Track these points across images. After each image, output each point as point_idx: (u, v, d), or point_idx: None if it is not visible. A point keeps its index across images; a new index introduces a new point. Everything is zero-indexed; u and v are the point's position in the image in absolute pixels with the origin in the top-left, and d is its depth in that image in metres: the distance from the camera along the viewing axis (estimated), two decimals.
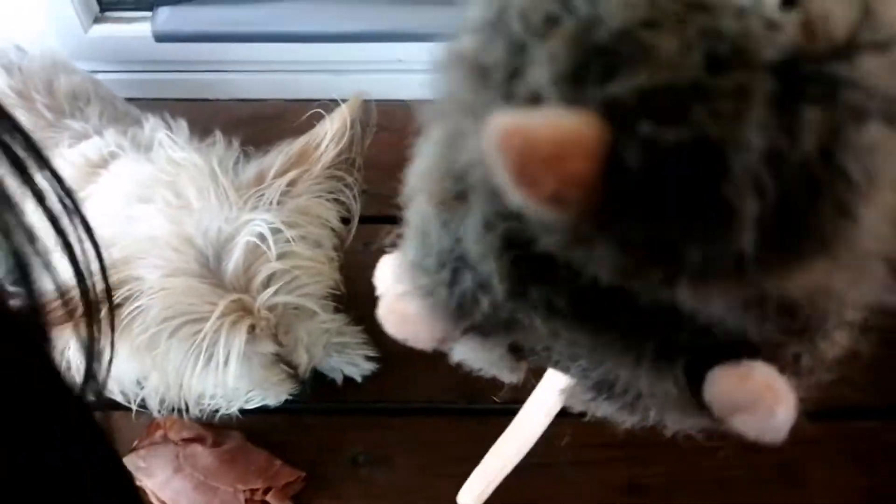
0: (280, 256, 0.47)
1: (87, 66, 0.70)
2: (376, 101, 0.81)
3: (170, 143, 0.52)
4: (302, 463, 0.56)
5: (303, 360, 0.52)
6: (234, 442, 0.55)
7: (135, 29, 0.76)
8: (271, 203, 0.48)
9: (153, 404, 0.51)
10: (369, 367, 0.61)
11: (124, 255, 0.46)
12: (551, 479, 0.56)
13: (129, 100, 0.67)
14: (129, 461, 0.55)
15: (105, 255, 0.45)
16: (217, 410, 0.53)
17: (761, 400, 0.26)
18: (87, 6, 0.75)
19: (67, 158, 0.54)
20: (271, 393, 0.53)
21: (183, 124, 0.57)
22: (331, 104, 0.54)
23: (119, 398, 0.51)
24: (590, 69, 0.19)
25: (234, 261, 0.46)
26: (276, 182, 0.49)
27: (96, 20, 0.76)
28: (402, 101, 0.82)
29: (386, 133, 0.81)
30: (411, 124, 0.88)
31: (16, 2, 0.73)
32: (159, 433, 0.55)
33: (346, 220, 0.55)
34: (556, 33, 0.19)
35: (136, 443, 0.56)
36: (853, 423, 0.59)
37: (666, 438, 0.57)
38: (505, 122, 0.18)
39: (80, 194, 0.52)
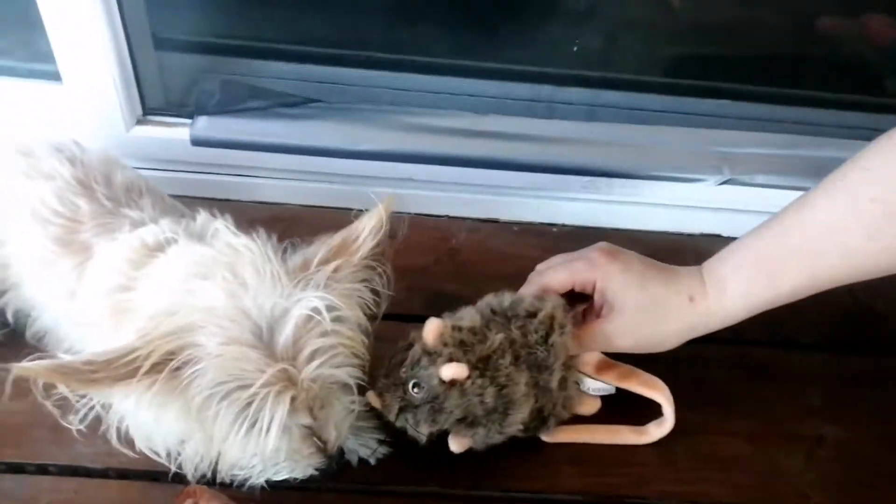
0: (326, 334, 0.52)
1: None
2: None
3: (226, 231, 0.58)
4: None
5: (331, 436, 0.56)
6: None
7: (173, 132, 0.84)
8: (318, 286, 0.54)
9: (189, 467, 0.55)
10: (382, 450, 0.65)
11: (185, 322, 0.51)
12: None
13: None
14: None
15: (166, 322, 0.50)
16: (246, 480, 0.57)
17: None
18: (132, 109, 0.83)
19: (127, 241, 0.59)
20: (300, 465, 0.57)
21: (229, 219, 0.63)
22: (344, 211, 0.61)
23: (162, 456, 0.55)
24: None
25: (285, 333, 0.51)
26: (323, 269, 0.56)
27: (138, 122, 0.84)
28: (409, 213, 0.91)
29: (392, 240, 0.90)
30: (412, 234, 0.98)
31: (66, 99, 0.80)
32: (189, 502, 0.58)
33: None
34: None
35: None
36: None
37: None
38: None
39: (139, 272, 0.57)
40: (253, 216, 0.86)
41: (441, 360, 0.58)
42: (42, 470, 0.63)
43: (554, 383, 0.62)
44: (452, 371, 0.57)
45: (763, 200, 0.90)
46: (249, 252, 0.55)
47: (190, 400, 0.50)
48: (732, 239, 0.93)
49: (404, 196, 0.91)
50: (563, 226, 0.92)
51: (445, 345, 0.59)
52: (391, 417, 0.60)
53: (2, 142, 0.66)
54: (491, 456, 0.66)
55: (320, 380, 0.53)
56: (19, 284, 0.65)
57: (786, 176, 0.90)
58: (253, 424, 0.51)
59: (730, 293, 0.62)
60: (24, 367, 0.46)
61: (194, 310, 0.52)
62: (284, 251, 0.59)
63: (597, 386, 0.68)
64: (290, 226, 0.90)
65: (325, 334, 0.52)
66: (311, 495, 0.62)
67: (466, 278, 0.85)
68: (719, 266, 0.64)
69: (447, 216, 0.92)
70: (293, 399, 0.51)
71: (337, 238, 0.58)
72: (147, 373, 0.48)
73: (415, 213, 0.91)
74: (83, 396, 0.51)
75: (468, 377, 0.58)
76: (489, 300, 0.66)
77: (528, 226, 0.92)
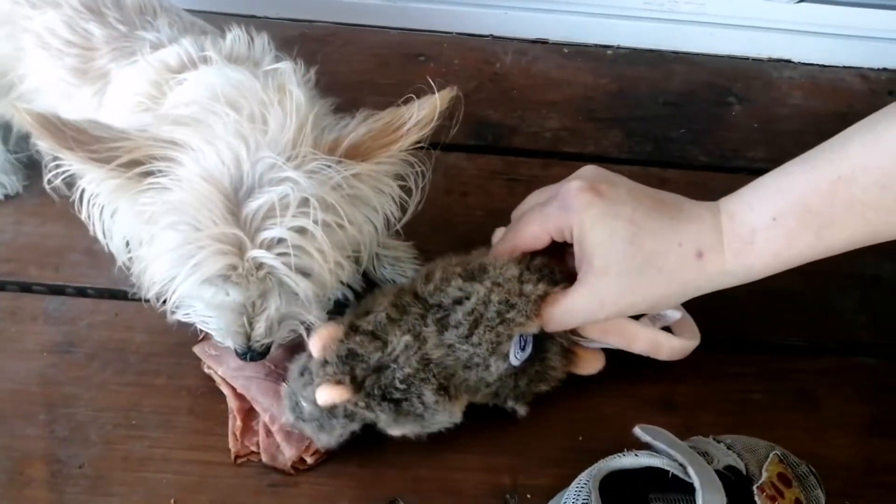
0: (297, 230, 0.47)
1: None
2: (422, 31, 0.84)
3: (291, 77, 0.52)
4: None
5: (259, 329, 0.51)
6: (300, 338, 0.58)
7: None
8: (329, 181, 0.47)
9: (136, 270, 0.52)
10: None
11: (182, 137, 0.48)
12: (591, 391, 0.60)
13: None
14: (200, 349, 0.58)
15: (169, 129, 0.47)
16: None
17: None
18: None
19: (148, 64, 0.55)
20: (220, 334, 0.53)
21: (265, 38, 0.58)
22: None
23: (111, 248, 0.53)
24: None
25: (258, 203, 0.46)
26: (347, 163, 0.48)
27: None
28: (447, 32, 0.85)
29: (431, 63, 0.84)
30: (453, 56, 0.89)
31: None
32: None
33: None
34: None
35: (204, 333, 0.59)
36: (859, 359, 0.64)
37: (693, 362, 0.62)
38: None
39: (164, 94, 0.54)
40: (281, 34, 0.81)
41: (318, 382, 0.50)
42: (81, 292, 0.64)
43: (494, 376, 0.53)
44: (327, 396, 0.49)
45: (846, 21, 0.82)
46: (293, 103, 0.49)
47: (143, 206, 0.48)
48: (804, 66, 0.87)
49: (444, 12, 0.84)
50: (619, 48, 0.85)
51: (326, 363, 0.51)
52: (291, 422, 0.54)
53: None
54: None
55: (266, 269, 0.48)
56: None
57: None
58: (181, 266, 0.47)
59: (760, 249, 0.48)
60: (19, 107, 0.45)
61: (198, 131, 0.48)
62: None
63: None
64: (322, 46, 0.86)
65: (300, 231, 0.47)
66: None
67: (511, 105, 0.80)
68: (746, 211, 0.49)
69: (492, 36, 0.85)
70: (233, 268, 0.47)
71: (380, 121, 0.50)
72: (122, 164, 0.46)
73: (456, 33, 0.84)
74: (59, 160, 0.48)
75: (350, 399, 0.50)
76: (417, 277, 0.55)
77: (580, 48, 0.85)
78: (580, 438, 0.58)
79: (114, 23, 0.59)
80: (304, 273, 0.48)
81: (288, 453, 0.54)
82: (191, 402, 0.58)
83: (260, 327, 0.51)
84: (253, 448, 0.55)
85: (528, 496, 0.55)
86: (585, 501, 0.48)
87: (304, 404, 0.52)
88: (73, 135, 0.46)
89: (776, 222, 0.47)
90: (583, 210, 0.50)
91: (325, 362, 0.51)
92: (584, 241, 0.50)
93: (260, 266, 0.47)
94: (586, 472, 0.50)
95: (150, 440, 0.56)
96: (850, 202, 0.45)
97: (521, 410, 0.56)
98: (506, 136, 0.77)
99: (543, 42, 0.85)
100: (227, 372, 0.56)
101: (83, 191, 0.50)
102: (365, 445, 0.57)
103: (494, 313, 0.51)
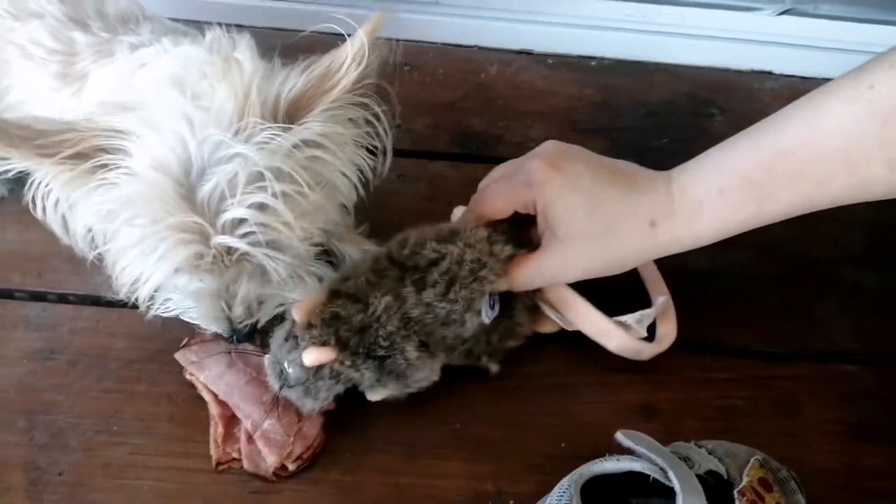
0: (257, 207, 0.46)
1: None
2: (407, 41, 0.84)
3: (248, 52, 0.53)
4: None
5: (238, 312, 0.51)
6: None
7: None
8: (281, 147, 0.46)
9: (108, 264, 0.51)
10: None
11: (127, 126, 0.47)
12: (573, 397, 0.60)
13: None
14: (182, 356, 0.58)
15: (113, 116, 0.47)
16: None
17: None
18: None
19: (126, 60, 0.56)
20: (203, 321, 0.53)
21: (247, 36, 0.58)
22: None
23: (75, 242, 0.53)
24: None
25: (212, 184, 0.45)
26: (295, 128, 0.47)
27: None
28: (432, 42, 0.85)
29: (416, 72, 0.85)
30: (438, 66, 0.91)
31: None
32: (211, 332, 0.58)
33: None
34: None
35: (186, 340, 0.59)
36: (839, 366, 0.64)
37: (674, 369, 0.62)
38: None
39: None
40: (265, 44, 0.82)
41: (304, 345, 0.52)
42: (62, 299, 0.64)
43: (469, 332, 0.55)
44: (313, 357, 0.51)
45: (826, 34, 0.83)
46: (237, 71, 0.49)
47: (98, 202, 0.47)
48: (785, 77, 0.88)
49: (429, 22, 0.84)
50: (603, 59, 0.86)
51: (311, 326, 0.52)
52: (276, 391, 0.55)
53: None
54: None
55: (237, 253, 0.47)
56: None
57: (856, 6, 0.82)
58: (147, 256, 0.47)
59: (707, 219, 0.52)
60: None
61: (142, 117, 0.47)
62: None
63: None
64: (306, 55, 0.86)
65: (259, 207, 0.46)
66: None
67: (496, 115, 0.80)
68: (694, 185, 0.53)
69: (477, 47, 0.85)
70: (199, 256, 0.46)
71: (318, 69, 0.49)
72: (68, 157, 0.45)
73: (441, 44, 0.85)
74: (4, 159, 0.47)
75: (336, 359, 0.52)
76: (392, 244, 0.57)
77: (564, 58, 0.85)
78: (563, 445, 0.58)
79: (97, 31, 0.59)
80: (275, 248, 0.47)
81: (270, 460, 0.54)
82: (172, 408, 0.58)
83: (238, 310, 0.51)
84: (234, 455, 0.55)
85: (511, 503, 0.55)
86: None
87: (289, 370, 0.53)
88: (17, 132, 0.45)
89: (722, 195, 0.51)
90: (544, 185, 0.54)
91: (309, 325, 0.52)
92: (547, 213, 0.54)
93: (229, 250, 0.47)
94: (568, 476, 0.50)
95: (130, 447, 0.56)
96: (788, 175, 0.49)
97: (494, 367, 0.59)
98: (490, 145, 0.78)
99: (528, 53, 0.85)
100: (208, 378, 0.56)
101: (36, 186, 0.49)
102: (347, 452, 0.57)
103: (468, 272, 0.54)
